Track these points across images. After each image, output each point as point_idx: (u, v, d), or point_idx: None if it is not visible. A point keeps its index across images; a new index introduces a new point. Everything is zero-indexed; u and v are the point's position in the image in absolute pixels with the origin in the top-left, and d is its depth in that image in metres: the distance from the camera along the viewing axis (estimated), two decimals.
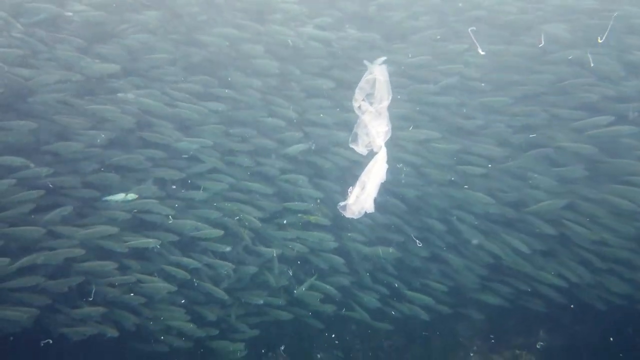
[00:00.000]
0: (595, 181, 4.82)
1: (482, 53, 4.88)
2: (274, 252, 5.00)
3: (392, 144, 4.80)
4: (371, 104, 4.06)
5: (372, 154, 4.11)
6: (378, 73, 4.07)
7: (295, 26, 5.22)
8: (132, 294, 4.81)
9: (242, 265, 5.11)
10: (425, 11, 5.33)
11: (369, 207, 4.01)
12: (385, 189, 4.98)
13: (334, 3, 5.43)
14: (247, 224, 5.04)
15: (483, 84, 5.10)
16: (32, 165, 4.50)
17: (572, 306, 5.18)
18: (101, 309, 4.71)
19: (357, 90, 4.10)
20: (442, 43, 5.24)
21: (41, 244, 4.49)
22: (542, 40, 4.93)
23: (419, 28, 5.27)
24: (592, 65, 4.78)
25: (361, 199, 3.96)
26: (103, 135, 4.79)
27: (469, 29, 4.95)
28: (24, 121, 4.55)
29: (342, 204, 4.07)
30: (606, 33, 4.80)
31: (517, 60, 5.10)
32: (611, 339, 5.26)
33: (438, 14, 5.33)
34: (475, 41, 4.92)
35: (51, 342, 4.71)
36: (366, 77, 4.11)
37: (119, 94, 4.79)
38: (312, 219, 5.08)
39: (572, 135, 4.84)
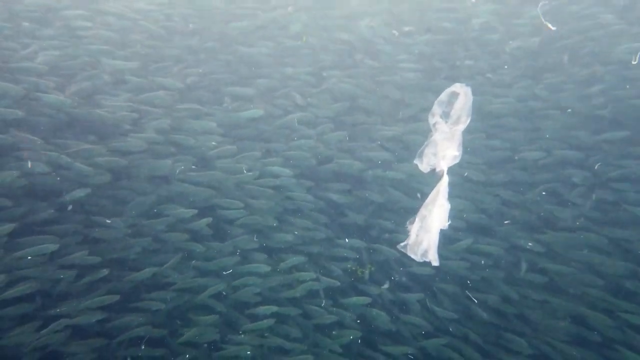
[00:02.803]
0: None
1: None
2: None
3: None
4: (446, 123, 3.74)
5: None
6: (461, 91, 3.68)
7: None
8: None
9: None
10: None
11: (433, 258, 3.69)
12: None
13: None
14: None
15: None
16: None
17: None
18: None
19: (435, 103, 3.79)
20: None
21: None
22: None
23: None
24: None
25: (420, 237, 3.75)
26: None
27: None
28: None
29: (402, 243, 3.84)
30: None
31: None
32: None
33: None
34: None
35: None
36: (449, 90, 3.75)
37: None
38: (359, 271, 5.13)
39: None
